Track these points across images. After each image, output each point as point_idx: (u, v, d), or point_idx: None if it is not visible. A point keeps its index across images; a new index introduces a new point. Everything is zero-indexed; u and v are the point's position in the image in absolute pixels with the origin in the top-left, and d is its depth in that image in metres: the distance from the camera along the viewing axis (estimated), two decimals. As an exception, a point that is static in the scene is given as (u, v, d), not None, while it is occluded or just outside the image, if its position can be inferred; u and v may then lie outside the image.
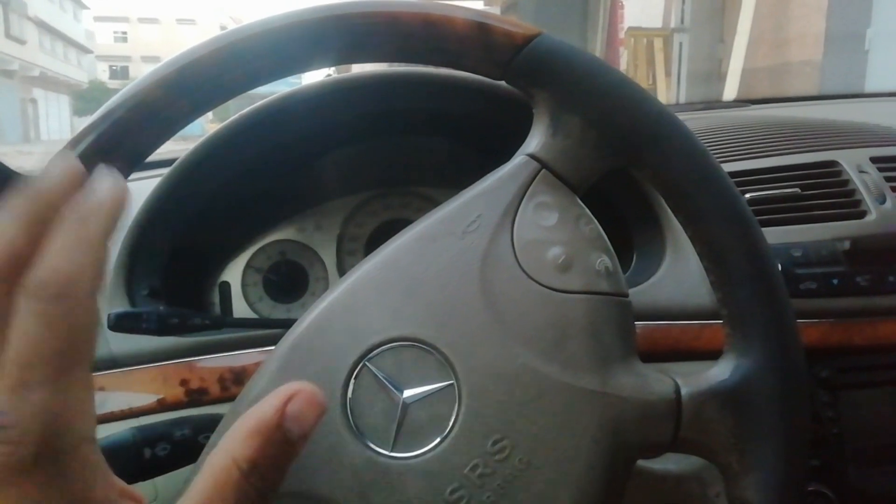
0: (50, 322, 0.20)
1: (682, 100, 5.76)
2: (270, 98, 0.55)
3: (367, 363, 0.32)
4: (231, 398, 0.36)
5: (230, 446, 0.23)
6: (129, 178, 0.34)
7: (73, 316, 0.21)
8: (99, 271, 0.21)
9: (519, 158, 0.35)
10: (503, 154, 0.37)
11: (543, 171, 0.35)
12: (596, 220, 0.35)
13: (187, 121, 0.34)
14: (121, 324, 0.47)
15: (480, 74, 0.35)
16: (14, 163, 0.82)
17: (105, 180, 0.23)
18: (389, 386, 0.32)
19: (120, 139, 0.32)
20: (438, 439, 0.31)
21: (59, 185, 0.22)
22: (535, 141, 0.35)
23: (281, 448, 0.23)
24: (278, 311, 0.67)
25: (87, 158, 0.31)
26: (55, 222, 0.21)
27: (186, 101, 0.33)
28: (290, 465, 0.24)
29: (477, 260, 0.33)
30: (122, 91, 0.33)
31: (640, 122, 0.34)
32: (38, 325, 0.20)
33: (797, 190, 0.60)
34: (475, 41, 0.34)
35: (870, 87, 4.13)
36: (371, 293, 0.33)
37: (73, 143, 0.32)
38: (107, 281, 0.23)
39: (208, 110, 0.35)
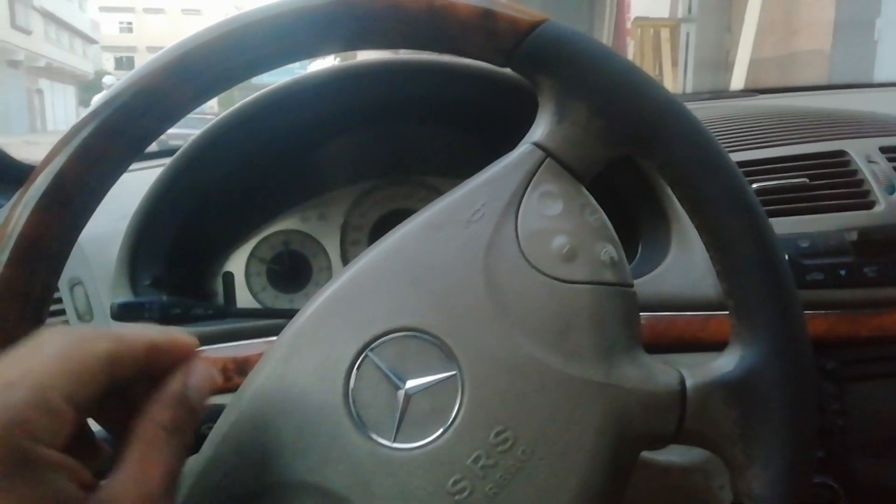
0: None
1: (689, 90, 5.73)
2: (274, 86, 0.55)
3: (369, 353, 0.32)
4: (234, 388, 0.36)
5: (153, 416, 0.27)
6: (133, 166, 0.34)
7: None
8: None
9: (524, 147, 0.35)
10: (508, 142, 0.36)
11: (548, 159, 0.34)
12: (601, 210, 0.35)
13: (191, 107, 0.34)
14: (124, 313, 0.47)
15: (485, 61, 0.35)
16: (20, 153, 0.82)
17: (205, 373, 0.29)
18: (392, 376, 0.31)
19: (122, 125, 0.32)
20: (441, 430, 0.31)
21: (177, 348, 0.28)
22: (540, 129, 0.35)
23: (189, 413, 0.28)
24: (282, 302, 0.67)
25: (91, 143, 0.31)
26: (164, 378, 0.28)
27: (190, 87, 0.33)
28: (194, 425, 0.28)
29: (481, 249, 0.33)
30: (126, 77, 0.33)
31: (646, 110, 0.33)
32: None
33: (805, 180, 0.59)
34: (479, 28, 0.33)
35: (879, 76, 4.09)
36: (374, 283, 0.33)
37: (77, 129, 0.31)
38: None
39: (212, 97, 0.35)
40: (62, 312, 0.54)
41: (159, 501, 0.25)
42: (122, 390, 0.27)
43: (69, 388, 0.24)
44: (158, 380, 0.28)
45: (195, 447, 0.32)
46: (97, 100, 0.33)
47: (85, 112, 0.33)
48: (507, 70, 0.35)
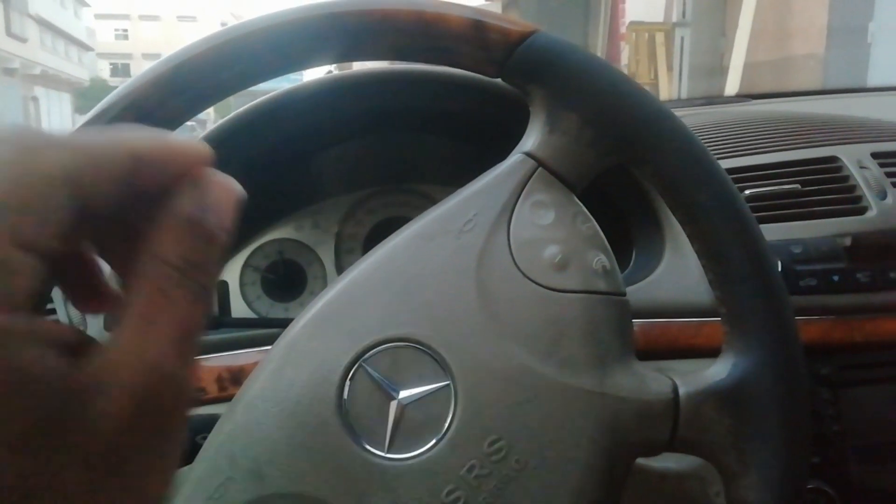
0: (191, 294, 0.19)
1: (684, 94, 5.74)
2: (269, 95, 0.55)
3: (362, 363, 0.32)
4: (229, 398, 0.36)
5: (158, 249, 0.20)
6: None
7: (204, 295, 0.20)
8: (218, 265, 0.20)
9: (515, 157, 0.35)
10: (501, 152, 0.37)
11: (540, 169, 0.34)
12: (593, 219, 0.35)
13: (183, 119, 0.34)
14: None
15: (476, 72, 0.35)
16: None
17: (225, 189, 0.21)
18: (385, 386, 0.31)
19: None
20: (434, 440, 0.31)
21: (179, 158, 0.21)
22: (531, 139, 0.35)
23: (208, 242, 0.20)
24: (277, 310, 0.67)
25: None
26: (161, 201, 0.20)
27: (181, 99, 0.33)
28: (219, 259, 0.21)
29: (473, 259, 0.33)
30: (118, 89, 0.33)
31: (637, 119, 0.33)
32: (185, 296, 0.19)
33: (797, 186, 0.60)
34: (470, 39, 0.33)
35: (873, 80, 4.10)
36: (366, 294, 0.33)
37: None
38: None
39: (204, 109, 0.35)
40: (55, 322, 0.54)
41: (171, 370, 0.19)
42: (120, 214, 0.21)
43: (14, 227, 0.17)
44: (164, 197, 0.20)
45: (189, 459, 0.32)
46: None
47: (78, 124, 0.33)
48: (499, 80, 0.35)
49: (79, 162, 0.18)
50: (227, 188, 0.21)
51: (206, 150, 0.22)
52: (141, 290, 0.19)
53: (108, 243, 0.22)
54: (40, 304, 0.32)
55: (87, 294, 0.22)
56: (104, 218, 0.20)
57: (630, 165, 0.35)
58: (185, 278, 0.20)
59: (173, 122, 0.33)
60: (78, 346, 0.18)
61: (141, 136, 0.21)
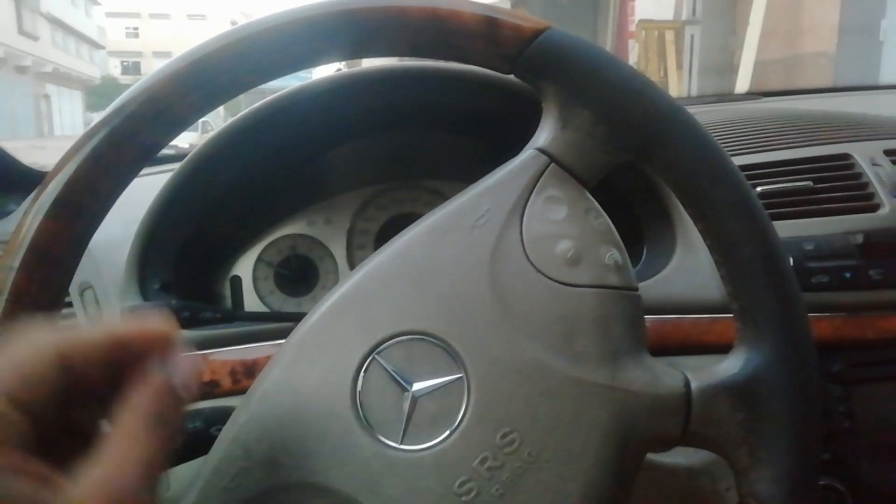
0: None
1: (694, 92, 5.72)
2: (281, 93, 0.55)
3: (376, 356, 0.32)
4: (242, 391, 0.37)
5: (132, 405, 0.25)
6: (142, 171, 0.35)
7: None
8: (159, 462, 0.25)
9: (528, 152, 0.35)
10: (512, 148, 0.37)
11: (552, 164, 0.35)
12: (605, 214, 0.35)
13: (198, 115, 0.34)
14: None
15: (489, 69, 0.35)
16: (28, 158, 0.83)
17: (188, 362, 0.27)
18: (399, 379, 0.32)
19: (132, 134, 0.32)
20: (447, 432, 0.31)
21: (150, 338, 0.26)
22: (544, 135, 0.35)
23: (174, 403, 0.26)
24: (289, 305, 0.68)
25: (101, 152, 0.32)
26: (135, 372, 0.25)
27: (197, 95, 0.33)
28: (180, 418, 0.26)
29: (486, 254, 0.33)
30: (135, 86, 0.33)
31: (649, 115, 0.34)
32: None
33: (809, 183, 0.60)
34: (483, 35, 0.34)
35: (884, 78, 4.08)
36: (380, 287, 0.33)
37: (87, 137, 0.32)
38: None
39: (219, 105, 0.35)
40: (73, 316, 0.54)
41: (135, 500, 0.23)
42: (105, 380, 0.26)
43: (11, 389, 0.23)
44: (140, 372, 0.26)
45: (204, 449, 0.32)
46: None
47: (95, 120, 0.33)
48: (511, 77, 0.35)
49: (66, 345, 0.24)
50: (191, 363, 0.27)
51: (176, 331, 0.27)
52: (116, 434, 0.24)
53: (96, 400, 0.26)
54: (58, 304, 0.32)
55: (75, 441, 0.26)
56: (92, 383, 0.25)
57: (642, 161, 0.35)
58: (153, 428, 0.24)
59: (190, 117, 0.34)
60: (55, 480, 0.23)
61: (120, 324, 0.27)
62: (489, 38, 0.34)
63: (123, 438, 0.24)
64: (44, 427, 0.24)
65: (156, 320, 0.27)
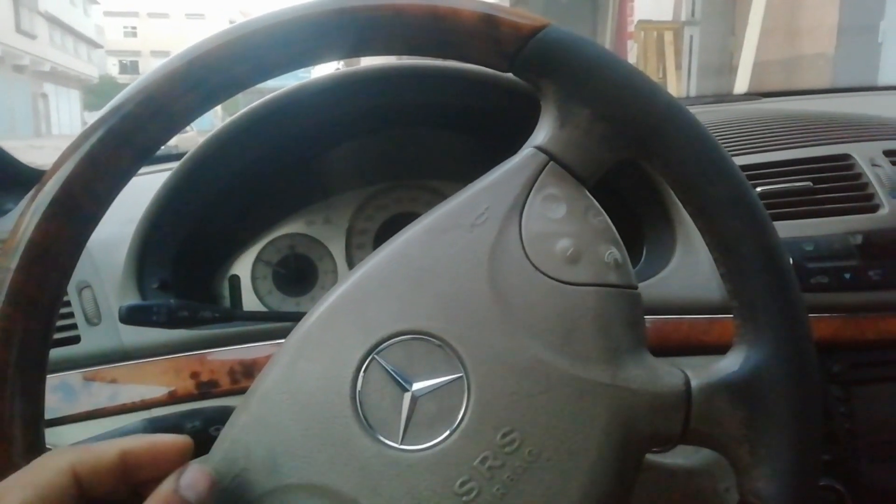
0: None
1: (693, 93, 5.72)
2: (279, 92, 0.55)
3: (375, 356, 0.32)
4: (241, 391, 0.37)
5: None
6: (139, 171, 0.35)
7: None
8: None
9: (527, 151, 0.35)
10: (511, 146, 0.37)
11: (551, 163, 0.34)
12: (604, 213, 0.35)
13: (196, 114, 0.34)
14: (132, 316, 0.47)
15: (488, 67, 0.35)
16: (26, 157, 0.82)
17: (198, 472, 0.28)
18: (399, 379, 0.32)
19: (130, 133, 0.32)
20: (448, 432, 0.31)
21: (161, 453, 0.28)
22: (542, 133, 0.35)
23: None
24: (288, 305, 0.68)
25: (99, 151, 0.32)
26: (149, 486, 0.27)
27: (195, 94, 0.33)
28: None
29: (485, 253, 0.33)
30: (132, 85, 0.33)
31: (649, 113, 0.33)
32: None
33: (809, 183, 0.60)
34: (482, 33, 0.34)
35: (883, 79, 4.08)
36: (380, 286, 0.33)
37: (84, 136, 0.32)
38: None
39: (217, 104, 0.35)
40: (71, 316, 0.54)
41: None
42: (119, 496, 0.28)
43: (24, 499, 0.25)
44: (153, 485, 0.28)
45: (204, 450, 0.32)
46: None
47: (93, 119, 0.33)
48: (510, 75, 0.35)
49: (80, 458, 0.27)
50: (202, 472, 0.28)
51: (187, 445, 0.29)
52: None
53: None
54: (56, 304, 0.32)
55: None
56: (105, 496, 0.27)
57: (642, 160, 0.35)
58: None
59: (188, 116, 0.34)
60: None
61: (131, 440, 0.28)
62: (488, 36, 0.34)
63: None
64: None
65: (167, 437, 0.29)
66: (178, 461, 0.28)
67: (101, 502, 0.28)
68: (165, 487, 0.27)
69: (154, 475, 0.28)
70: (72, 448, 0.27)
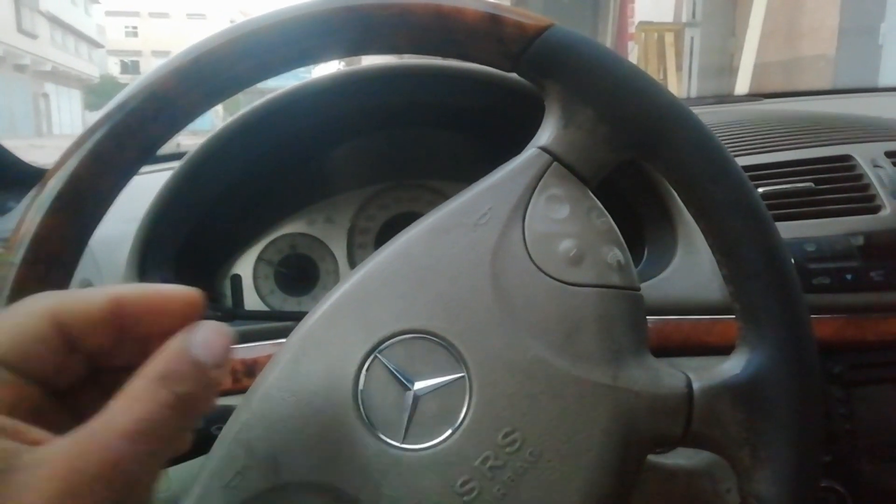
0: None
1: (694, 95, 5.72)
2: (280, 91, 0.55)
3: (378, 355, 0.32)
4: (243, 390, 0.37)
5: (143, 370, 0.22)
6: (142, 169, 0.35)
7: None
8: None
9: (530, 151, 0.35)
10: (514, 147, 0.37)
11: (555, 163, 0.34)
12: (608, 214, 0.35)
13: (199, 111, 0.34)
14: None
15: (492, 66, 0.35)
16: (27, 156, 0.82)
17: (215, 329, 0.24)
18: (401, 378, 0.32)
19: (134, 129, 0.32)
20: (449, 431, 0.31)
21: (173, 306, 0.24)
22: (546, 133, 0.35)
23: (192, 367, 0.23)
24: (289, 304, 0.68)
25: (103, 147, 0.32)
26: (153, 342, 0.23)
27: (199, 91, 0.33)
28: (203, 385, 0.23)
29: (488, 252, 0.33)
30: (136, 82, 0.33)
31: (652, 114, 0.33)
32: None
33: (811, 184, 0.60)
34: (486, 33, 0.34)
35: (883, 81, 4.08)
36: (382, 286, 0.33)
37: (88, 133, 0.32)
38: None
39: (220, 101, 0.35)
40: None
41: (120, 462, 0.20)
42: (118, 352, 0.24)
43: (1, 351, 0.22)
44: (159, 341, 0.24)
45: (205, 448, 0.32)
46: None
47: (97, 116, 0.33)
48: (514, 75, 0.35)
49: (61, 302, 0.23)
50: (218, 329, 0.24)
51: (194, 297, 0.25)
52: (116, 398, 0.21)
53: (113, 373, 0.24)
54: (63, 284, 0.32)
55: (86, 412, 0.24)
56: (97, 348, 0.24)
57: (645, 160, 0.35)
58: (158, 388, 0.22)
59: (191, 114, 0.34)
60: (33, 437, 0.21)
61: (128, 287, 0.24)
62: (492, 35, 0.34)
63: (123, 399, 0.21)
64: (42, 390, 0.23)
65: (171, 287, 0.25)
66: (186, 316, 0.24)
67: (100, 362, 0.24)
68: (175, 345, 0.23)
69: (157, 330, 0.24)
70: (53, 292, 0.24)
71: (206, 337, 0.24)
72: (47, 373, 0.23)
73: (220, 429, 0.33)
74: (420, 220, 0.34)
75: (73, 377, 0.24)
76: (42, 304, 0.23)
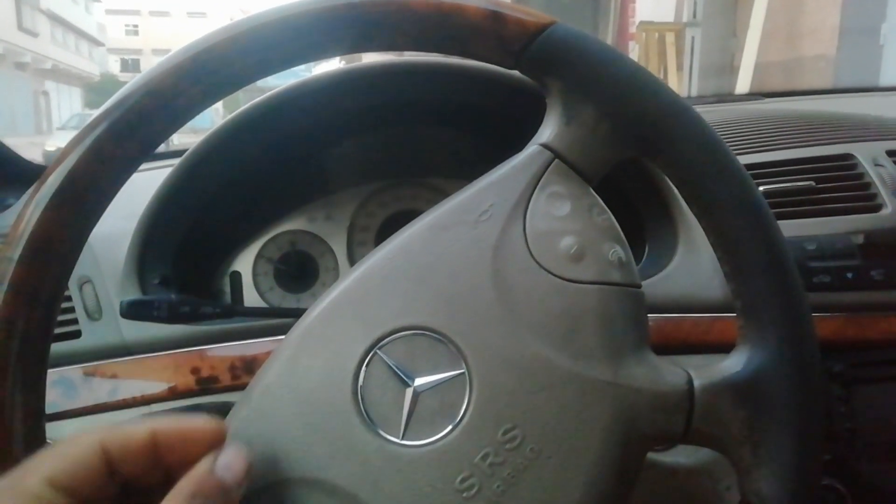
0: None
1: (694, 94, 5.72)
2: (280, 88, 0.55)
3: (378, 352, 0.32)
4: (242, 387, 0.37)
5: (175, 490, 0.26)
6: (142, 166, 0.34)
7: None
8: None
9: (532, 148, 0.35)
10: (515, 144, 0.37)
11: (556, 160, 0.34)
12: (609, 211, 0.35)
13: (199, 108, 0.34)
14: (132, 311, 0.47)
15: (493, 64, 0.35)
16: (27, 154, 0.82)
17: (234, 452, 0.28)
18: (401, 374, 0.32)
19: (133, 126, 0.32)
20: (449, 428, 0.31)
21: (201, 436, 0.28)
22: (548, 130, 0.35)
23: (217, 488, 0.27)
24: (289, 301, 0.67)
25: (102, 144, 0.31)
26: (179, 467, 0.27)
27: (199, 88, 0.33)
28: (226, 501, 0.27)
29: (489, 249, 0.33)
30: (136, 79, 0.33)
31: (654, 111, 0.33)
32: None
33: (812, 183, 0.59)
34: (488, 30, 0.33)
35: (884, 82, 4.07)
36: (382, 282, 0.33)
37: (88, 129, 0.32)
38: None
39: (220, 98, 0.35)
40: (71, 310, 0.54)
41: None
42: (154, 477, 0.28)
43: (49, 473, 0.25)
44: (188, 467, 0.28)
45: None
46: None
47: (96, 112, 0.33)
48: (515, 72, 0.35)
49: (110, 435, 0.27)
50: (239, 452, 0.28)
51: (220, 429, 0.29)
52: None
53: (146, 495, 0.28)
54: (57, 297, 0.32)
55: None
56: (137, 476, 0.27)
57: (647, 158, 0.35)
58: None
59: (191, 111, 0.34)
60: None
61: (164, 421, 0.28)
62: (494, 32, 0.33)
63: None
64: None
65: (201, 420, 0.29)
66: (211, 445, 0.28)
67: (133, 485, 0.27)
68: (202, 468, 0.27)
69: (185, 458, 0.28)
70: (101, 426, 0.27)
71: (229, 461, 0.28)
72: (89, 494, 0.26)
73: (219, 425, 0.32)
74: (420, 217, 0.34)
75: (108, 496, 0.28)
76: (93, 437, 0.27)
